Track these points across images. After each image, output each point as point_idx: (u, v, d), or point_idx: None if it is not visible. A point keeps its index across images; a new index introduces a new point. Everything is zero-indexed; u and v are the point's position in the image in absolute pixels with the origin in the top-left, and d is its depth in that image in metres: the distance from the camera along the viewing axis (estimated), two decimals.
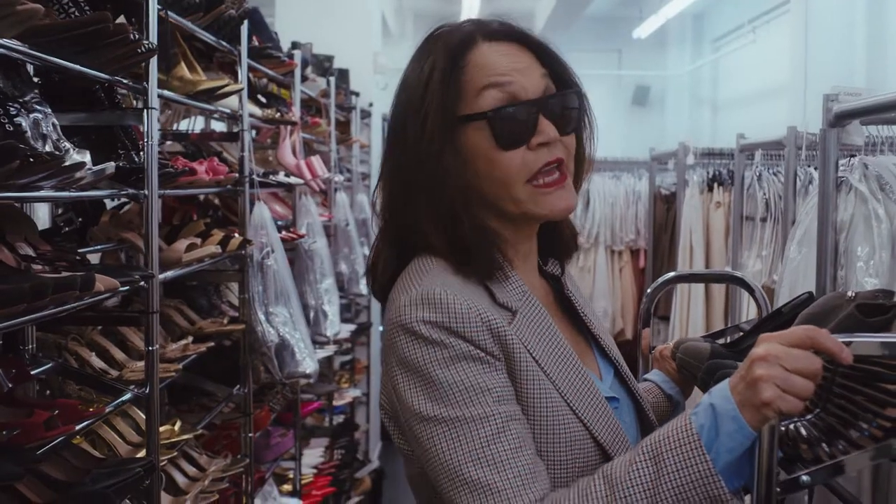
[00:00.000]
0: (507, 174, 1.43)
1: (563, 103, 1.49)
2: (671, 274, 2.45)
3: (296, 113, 4.22)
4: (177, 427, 2.74)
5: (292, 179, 3.90)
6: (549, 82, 1.49)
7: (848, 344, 1.36)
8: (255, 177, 3.39)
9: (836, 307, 1.76)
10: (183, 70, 2.86)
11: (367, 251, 6.20)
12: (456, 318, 1.36)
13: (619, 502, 1.26)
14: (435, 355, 1.35)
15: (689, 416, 1.30)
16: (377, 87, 7.62)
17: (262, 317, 3.25)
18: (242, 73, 3.33)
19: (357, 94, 6.51)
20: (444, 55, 1.45)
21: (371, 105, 7.14)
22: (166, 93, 2.67)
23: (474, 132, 1.44)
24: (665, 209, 5.48)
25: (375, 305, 7.19)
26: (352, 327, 5.93)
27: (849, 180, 2.17)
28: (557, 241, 1.66)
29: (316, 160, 4.21)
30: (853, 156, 2.24)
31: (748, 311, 3.93)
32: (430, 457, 1.35)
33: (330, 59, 6.11)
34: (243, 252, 3.23)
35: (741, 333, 2.31)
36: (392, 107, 1.52)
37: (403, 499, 6.79)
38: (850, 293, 1.76)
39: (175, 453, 2.65)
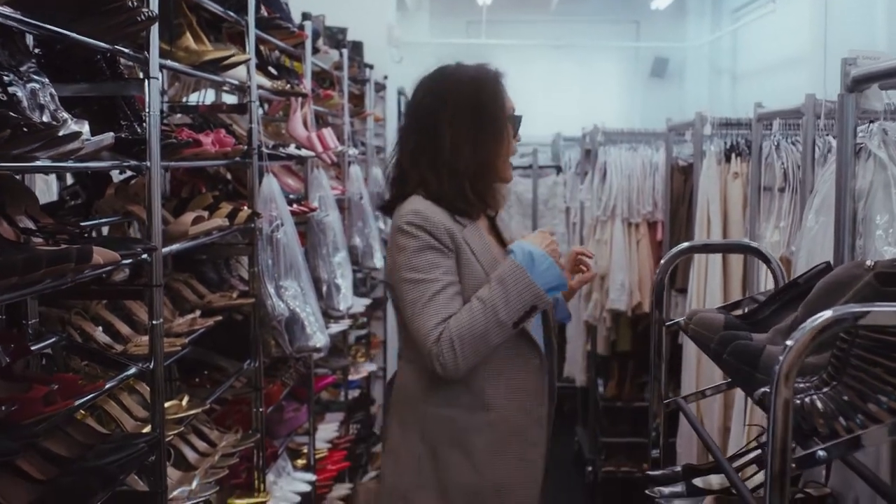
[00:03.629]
0: (509, 153, 2.57)
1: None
2: (684, 245, 2.40)
3: (307, 85, 4.17)
4: (184, 402, 2.71)
5: (303, 152, 3.86)
6: None
7: (865, 314, 1.31)
8: (263, 149, 3.34)
9: (855, 276, 1.70)
10: (188, 40, 2.81)
11: (382, 225, 6.18)
12: (428, 224, 2.42)
13: (475, 325, 2.33)
14: (412, 243, 2.41)
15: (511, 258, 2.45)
16: (392, 60, 7.56)
17: (271, 290, 3.22)
18: (250, 44, 3.28)
19: (371, 67, 6.45)
20: (496, 81, 2.59)
21: (386, 78, 7.08)
22: (169, 63, 2.62)
23: (509, 126, 2.53)
24: (682, 181, 5.40)
25: None
26: (367, 301, 5.88)
27: (868, 147, 2.10)
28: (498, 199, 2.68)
29: (328, 133, 4.16)
30: (872, 122, 2.17)
31: (766, 282, 3.87)
32: (402, 299, 2.41)
33: (343, 31, 6.05)
34: (252, 225, 3.19)
35: (756, 305, 2.26)
36: (440, 108, 2.52)
37: None
38: (868, 262, 1.70)
39: (182, 428, 2.61)
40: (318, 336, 3.36)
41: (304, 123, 4.08)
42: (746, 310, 2.23)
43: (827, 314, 1.31)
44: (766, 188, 3.94)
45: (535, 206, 7.73)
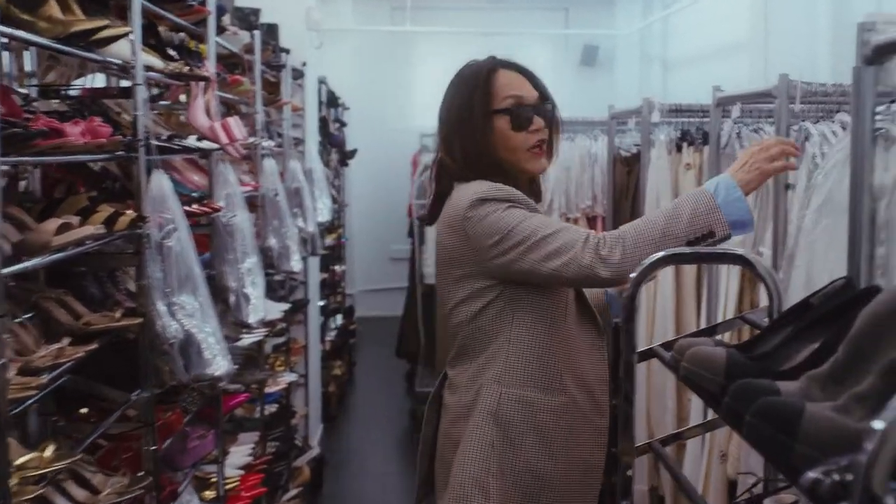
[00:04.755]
0: (514, 147, 2.47)
1: (547, 108, 2.52)
2: (660, 254, 1.97)
3: (210, 68, 3.67)
4: (48, 452, 2.20)
5: (204, 144, 3.36)
6: (539, 97, 2.51)
7: None
8: (153, 141, 2.84)
9: None
10: (53, 8, 2.31)
11: (301, 223, 5.69)
12: (503, 193, 2.37)
13: (651, 227, 2.22)
14: (493, 207, 2.34)
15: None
16: (311, 46, 7.07)
17: (162, 308, 2.72)
18: (134, 15, 2.78)
19: (287, 52, 5.95)
20: (482, 74, 2.48)
21: (304, 65, 6.58)
22: (19, 33, 2.12)
23: (499, 120, 2.45)
24: (625, 172, 5.00)
25: (312, 281, 6.68)
26: (285, 306, 5.39)
27: (891, 132, 1.69)
28: (537, 196, 2.62)
29: (234, 122, 3.66)
30: (894, 101, 1.76)
31: (727, 278, 3.48)
32: (514, 255, 2.32)
33: (256, 11, 5.55)
34: (139, 231, 2.70)
35: (746, 325, 1.84)
36: (446, 104, 2.54)
37: (346, 486, 6.32)
38: None
39: (42, 490, 2.11)
40: (219, 361, 2.86)
41: (207, 112, 3.59)
42: (723, 332, 1.81)
43: None
44: None
45: None
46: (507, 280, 2.40)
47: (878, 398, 1.16)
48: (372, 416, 7.88)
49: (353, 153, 9.63)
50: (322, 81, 8.12)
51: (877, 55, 1.65)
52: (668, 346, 2.01)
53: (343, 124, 9.53)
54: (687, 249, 2.11)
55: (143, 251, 2.74)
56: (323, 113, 8.04)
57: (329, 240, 8.21)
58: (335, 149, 8.70)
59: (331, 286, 8.42)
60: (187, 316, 2.78)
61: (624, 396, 1.98)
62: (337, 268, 8.91)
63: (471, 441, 2.43)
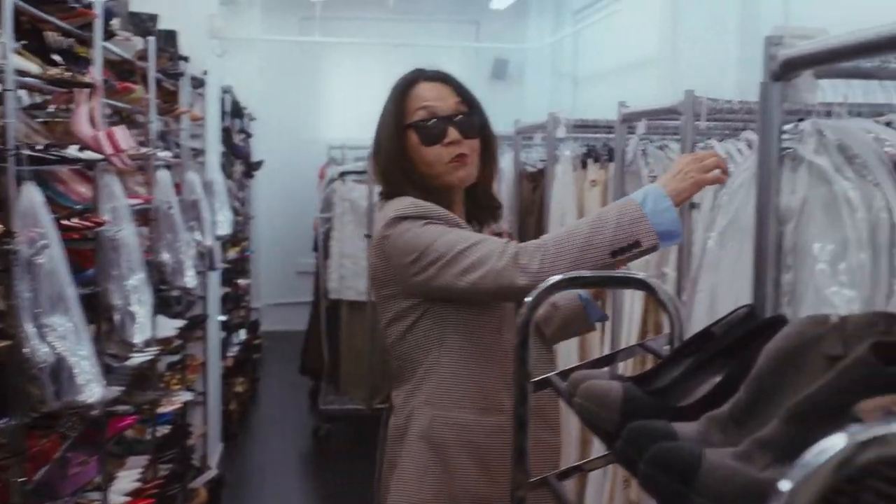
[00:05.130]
0: (429, 161, 2.39)
1: (467, 119, 2.43)
2: (556, 278, 1.85)
3: (95, 74, 3.48)
4: None
5: (86, 154, 3.18)
6: (461, 106, 2.43)
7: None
8: (24, 151, 2.65)
9: (816, 339, 1.18)
10: None
11: (198, 236, 5.50)
12: (424, 210, 2.29)
13: (573, 236, 2.13)
14: (413, 224, 2.27)
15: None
16: (213, 54, 6.88)
17: (31, 329, 2.53)
18: (5, 18, 2.59)
19: (186, 60, 5.75)
20: (399, 88, 2.45)
21: (206, 73, 6.38)
22: None
23: (412, 135, 2.40)
24: (531, 188, 4.91)
25: (212, 296, 6.48)
26: (181, 323, 5.20)
27: (799, 152, 1.60)
28: (482, 212, 2.57)
29: (120, 131, 3.48)
30: (801, 119, 1.67)
31: (632, 300, 3.40)
32: (430, 273, 2.25)
33: (153, 17, 5.36)
34: (7, 247, 2.52)
35: (643, 353, 1.73)
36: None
37: None
38: (833, 317, 1.19)
39: None
40: (93, 388, 2.67)
41: (92, 120, 3.40)
42: (619, 362, 1.71)
43: (837, 442, 0.78)
44: None
45: (371, 214, 7.15)
46: (430, 298, 2.34)
47: (783, 445, 1.05)
48: (274, 435, 7.68)
49: (258, 164, 9.44)
50: (227, 91, 7.92)
51: (784, 70, 1.56)
52: (567, 374, 1.90)
53: (248, 135, 9.33)
54: (587, 273, 2.00)
55: (12, 269, 2.55)
56: (227, 123, 7.85)
57: (233, 253, 8.01)
58: (239, 160, 8.51)
59: (234, 300, 8.22)
60: (59, 338, 2.59)
61: (518, 426, 1.86)
62: (241, 281, 8.71)
63: (405, 465, 2.39)
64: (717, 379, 1.43)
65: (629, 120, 3.35)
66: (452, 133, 2.38)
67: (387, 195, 2.45)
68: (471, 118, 2.43)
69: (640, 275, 1.92)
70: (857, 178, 1.47)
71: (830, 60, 1.54)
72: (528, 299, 1.83)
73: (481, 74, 11.04)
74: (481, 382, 2.36)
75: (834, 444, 0.77)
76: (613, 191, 3.45)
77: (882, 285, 1.40)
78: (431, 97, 2.41)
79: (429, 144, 2.38)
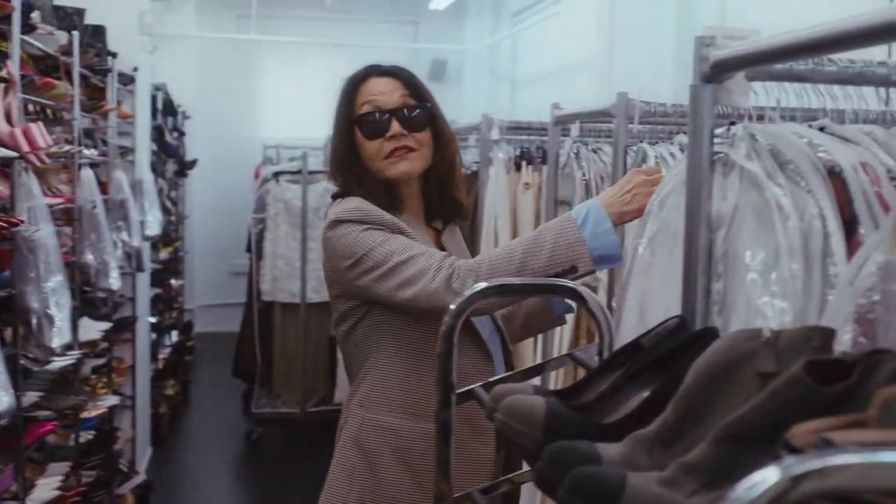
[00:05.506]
0: (371, 156, 2.37)
1: (412, 112, 2.39)
2: (481, 285, 1.78)
3: (12, 69, 3.35)
4: None
5: (1, 152, 3.05)
6: (408, 99, 2.40)
7: (846, 472, 0.72)
8: None
9: (748, 355, 1.12)
10: None
11: (125, 237, 5.37)
12: (367, 216, 2.26)
13: (507, 260, 2.10)
14: (354, 227, 2.24)
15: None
16: (144, 50, 6.73)
17: None
18: None
19: (114, 55, 5.61)
20: (349, 84, 2.42)
21: (136, 70, 6.24)
22: None
23: (357, 129, 2.37)
24: (465, 191, 4.85)
25: (142, 297, 6.33)
26: (106, 325, 5.06)
27: (730, 157, 1.54)
28: (441, 208, 2.52)
29: (37, 128, 3.35)
30: (733, 123, 1.62)
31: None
32: (368, 280, 2.24)
33: (80, 11, 5.22)
34: None
35: (573, 364, 1.67)
36: None
37: None
38: (766, 331, 1.13)
39: None
40: (0, 397, 2.57)
41: (9, 116, 3.28)
42: (549, 376, 1.64)
43: (770, 476, 0.71)
44: (563, 202, 3.41)
45: (305, 215, 7.06)
46: (370, 302, 2.32)
47: (711, 470, 0.99)
48: (206, 439, 7.55)
49: (192, 164, 9.29)
50: (159, 88, 7.78)
51: (716, 72, 1.50)
52: (493, 386, 1.83)
53: (182, 133, 9.18)
54: (515, 281, 1.94)
55: None
56: (159, 121, 7.71)
57: (165, 253, 7.87)
58: (172, 159, 8.36)
59: (166, 301, 8.08)
60: None
61: (441, 437, 1.79)
62: (174, 282, 8.56)
63: (336, 466, 2.41)
64: (645, 394, 1.37)
65: (562, 122, 3.29)
66: (395, 127, 2.35)
67: (337, 195, 2.43)
68: (418, 111, 2.39)
69: (570, 283, 1.86)
70: (790, 184, 1.42)
71: (763, 62, 1.48)
72: (452, 306, 1.76)
73: (419, 75, 10.78)
74: (415, 389, 2.33)
75: (767, 477, 0.70)
76: (547, 194, 3.39)
77: (814, 296, 1.34)
78: (377, 91, 2.39)
79: (371, 138, 2.36)
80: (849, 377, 0.97)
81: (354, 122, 2.38)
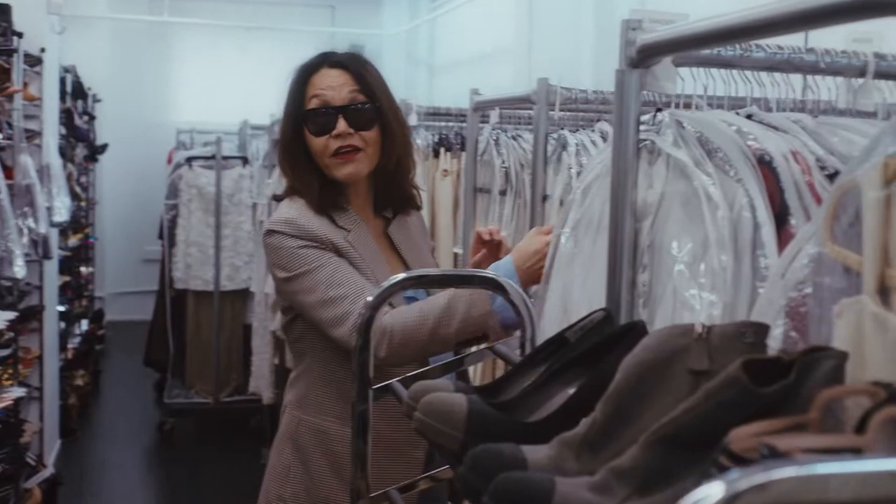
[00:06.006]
0: (318, 152, 2.32)
1: (360, 110, 2.31)
2: (398, 277, 1.72)
3: None
4: None
5: None
6: (358, 95, 2.32)
7: (791, 483, 0.67)
8: None
9: (680, 351, 1.07)
10: None
11: (31, 223, 5.19)
12: (301, 232, 2.25)
13: (419, 327, 2.10)
14: (288, 242, 2.25)
15: None
16: (52, 31, 6.53)
17: None
18: None
19: (20, 35, 5.41)
20: (300, 74, 2.36)
21: (43, 51, 6.04)
22: None
23: (305, 123, 2.31)
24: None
25: (49, 285, 6.14)
26: (11, 315, 4.88)
27: (656, 145, 1.50)
28: (393, 198, 2.46)
29: None
30: (659, 110, 1.57)
31: None
32: (301, 300, 2.26)
33: None
34: None
35: (494, 357, 1.62)
36: None
37: None
38: (697, 327, 1.08)
39: None
40: None
41: None
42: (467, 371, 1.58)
43: (714, 492, 0.66)
44: (483, 189, 3.36)
45: (219, 201, 6.91)
46: None
47: (643, 475, 0.94)
48: (117, 430, 7.37)
49: (103, 148, 9.07)
50: (68, 70, 7.56)
51: (642, 57, 1.45)
52: (411, 381, 1.76)
53: (92, 117, 8.95)
54: (433, 271, 1.88)
55: None
56: (68, 104, 7.49)
57: (74, 240, 7.66)
58: (82, 143, 8.14)
59: (76, 289, 7.86)
60: None
61: (358, 434, 1.72)
62: (83, 269, 8.35)
63: (273, 461, 2.43)
64: (571, 391, 1.32)
65: (481, 108, 3.24)
66: (341, 125, 2.28)
67: (279, 197, 2.42)
68: (366, 109, 2.32)
69: (490, 273, 1.80)
70: (719, 173, 1.37)
71: (692, 46, 1.44)
72: (369, 299, 1.69)
73: None
74: (345, 392, 2.27)
75: (711, 493, 0.65)
76: (466, 181, 3.33)
77: (744, 289, 1.30)
78: (326, 85, 2.31)
79: (317, 135, 2.30)
80: (786, 376, 0.92)
81: (302, 116, 2.32)
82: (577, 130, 2.78)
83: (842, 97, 1.64)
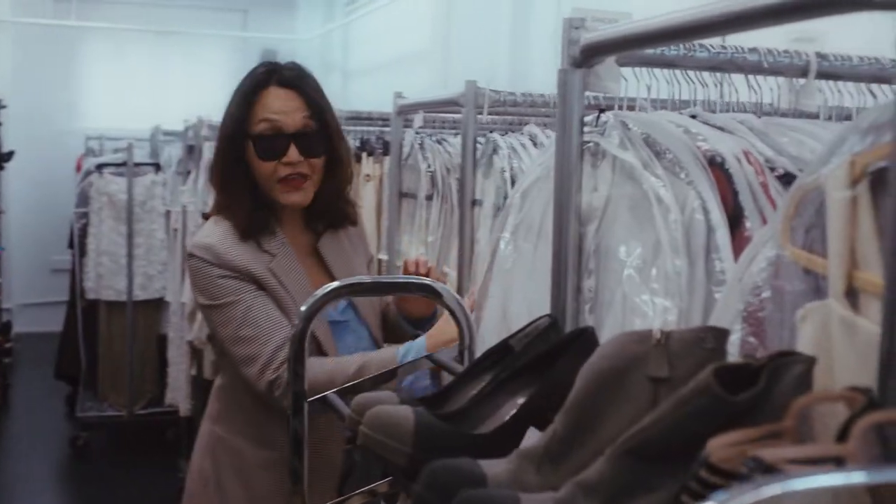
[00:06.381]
0: (264, 176, 2.25)
1: (312, 137, 2.25)
2: (333, 285, 1.66)
3: None
4: None
5: None
6: (309, 121, 2.25)
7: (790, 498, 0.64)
8: None
9: (638, 359, 1.03)
10: None
11: None
12: (218, 261, 2.20)
13: (329, 384, 1.87)
14: (205, 271, 2.20)
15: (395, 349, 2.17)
16: None
17: None
18: None
19: None
20: (248, 89, 2.26)
21: None
22: None
23: (251, 146, 2.23)
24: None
25: None
26: None
27: (601, 147, 1.46)
28: (326, 215, 2.39)
29: None
30: (602, 111, 1.53)
31: None
32: (215, 329, 2.24)
33: None
34: None
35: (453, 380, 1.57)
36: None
37: None
38: (655, 333, 1.04)
39: None
40: None
41: None
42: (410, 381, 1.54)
43: None
44: (408, 194, 3.31)
45: (131, 209, 6.75)
46: None
47: (612, 490, 0.90)
48: (27, 446, 7.14)
49: (9, 156, 8.81)
50: None
51: (586, 56, 1.42)
52: (347, 393, 1.71)
53: None
54: (366, 278, 1.83)
55: None
56: None
57: None
58: None
59: None
60: None
61: (293, 449, 1.66)
62: None
63: (192, 474, 2.41)
64: (520, 400, 1.28)
65: (405, 112, 3.19)
66: (293, 153, 2.22)
67: (207, 215, 2.40)
68: (317, 135, 2.27)
69: (427, 280, 1.75)
70: (668, 175, 1.34)
71: (636, 46, 1.41)
72: (302, 308, 1.63)
73: (249, 65, 10.52)
74: (257, 415, 2.30)
75: None
76: (390, 186, 3.28)
77: (698, 294, 1.27)
78: (278, 109, 2.24)
79: (265, 160, 2.23)
80: (754, 383, 0.89)
81: (250, 138, 2.24)
82: (506, 134, 2.74)
83: (783, 97, 1.62)
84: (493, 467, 1.02)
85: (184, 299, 5.60)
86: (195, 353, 5.72)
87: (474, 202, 2.61)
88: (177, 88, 9.81)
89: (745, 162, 1.32)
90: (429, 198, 3.15)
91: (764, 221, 1.27)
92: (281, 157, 2.22)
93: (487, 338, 1.71)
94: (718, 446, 0.79)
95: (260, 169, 2.25)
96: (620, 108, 1.54)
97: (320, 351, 2.24)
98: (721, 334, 1.04)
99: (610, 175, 1.44)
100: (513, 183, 2.44)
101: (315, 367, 2.06)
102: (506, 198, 2.46)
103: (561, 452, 1.00)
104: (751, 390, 0.88)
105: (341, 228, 2.45)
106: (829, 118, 1.68)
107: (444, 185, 3.07)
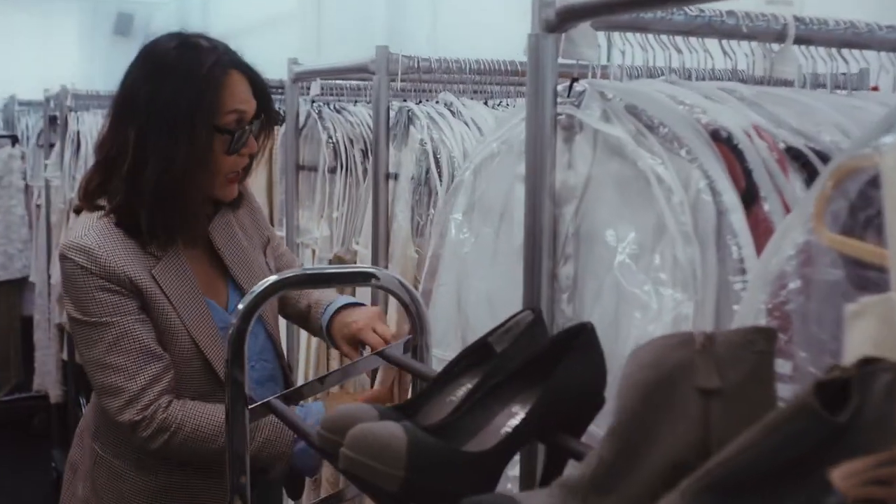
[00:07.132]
0: (223, 170, 1.98)
1: (259, 126, 2.04)
2: (273, 278, 1.49)
3: None
4: None
5: None
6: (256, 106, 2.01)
7: None
8: None
9: (683, 367, 0.91)
10: None
11: None
12: (95, 266, 1.88)
13: (209, 439, 1.89)
14: (78, 280, 1.90)
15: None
16: None
17: None
18: None
19: None
20: (211, 76, 1.92)
21: None
22: None
23: (217, 139, 1.92)
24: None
25: None
26: None
27: (576, 119, 1.32)
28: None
29: None
30: (575, 80, 1.40)
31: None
32: (80, 346, 1.96)
33: None
34: None
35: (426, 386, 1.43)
36: (145, 93, 1.93)
37: None
38: (698, 337, 0.92)
39: None
40: None
41: None
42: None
43: None
44: (308, 167, 3.14)
45: None
46: None
47: None
48: None
49: None
50: None
51: (562, 20, 1.27)
52: (296, 395, 1.55)
53: None
54: (311, 270, 1.66)
55: None
56: None
57: None
58: None
59: None
60: None
61: (232, 464, 1.50)
62: None
63: (66, 495, 2.19)
64: (515, 409, 1.14)
65: (302, 79, 3.00)
66: (252, 143, 2.01)
67: (83, 206, 2.02)
68: (265, 124, 2.06)
69: (371, 268, 1.60)
70: (666, 151, 1.21)
71: (618, 9, 1.28)
72: (240, 306, 1.46)
73: (102, 30, 10.22)
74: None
75: None
76: (286, 159, 3.10)
77: (711, 283, 1.15)
78: (244, 100, 1.97)
79: (231, 153, 1.95)
80: (847, 396, 0.77)
81: (216, 129, 1.91)
82: (420, 102, 2.59)
83: (758, 64, 1.51)
84: (529, 500, 0.88)
85: (53, 281, 5.31)
86: (63, 335, 5.45)
87: (388, 175, 2.46)
88: (28, 55, 9.32)
89: (757, 137, 1.20)
90: (332, 171, 2.98)
91: (784, 202, 1.15)
92: (244, 149, 1.98)
93: (441, 331, 1.56)
94: (844, 474, 0.67)
95: (221, 164, 1.96)
96: (594, 76, 1.41)
97: (205, 360, 1.97)
98: (770, 335, 0.92)
99: (590, 152, 1.30)
100: (436, 156, 2.29)
101: (201, 415, 1.92)
102: (428, 172, 2.31)
103: (609, 481, 0.86)
104: (848, 407, 0.76)
105: (232, 210, 2.15)
106: (803, 86, 1.58)
107: (348, 157, 2.90)
